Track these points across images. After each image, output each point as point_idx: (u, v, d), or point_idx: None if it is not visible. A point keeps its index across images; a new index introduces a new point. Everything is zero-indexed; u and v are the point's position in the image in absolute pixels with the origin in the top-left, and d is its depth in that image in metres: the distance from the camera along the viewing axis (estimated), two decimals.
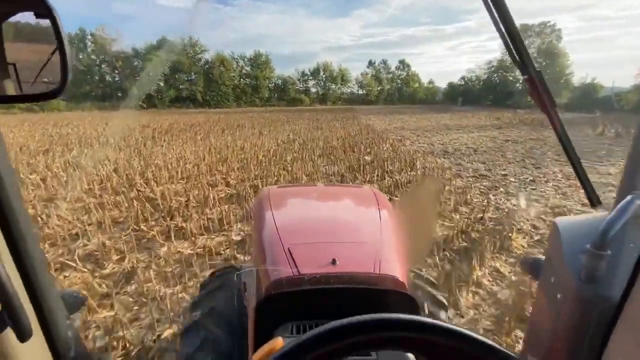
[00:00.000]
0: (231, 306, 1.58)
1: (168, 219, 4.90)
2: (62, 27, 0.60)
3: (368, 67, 60.53)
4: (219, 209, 5.29)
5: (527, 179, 7.57)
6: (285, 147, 11.21)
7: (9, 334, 0.51)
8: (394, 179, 7.13)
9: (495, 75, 52.76)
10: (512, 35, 0.65)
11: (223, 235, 4.45)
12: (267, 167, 8.15)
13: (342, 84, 56.87)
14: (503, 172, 8.15)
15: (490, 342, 0.47)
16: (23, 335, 0.51)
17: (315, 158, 9.49)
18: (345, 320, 0.48)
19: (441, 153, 10.74)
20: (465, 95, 53.38)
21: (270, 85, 51.94)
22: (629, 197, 0.63)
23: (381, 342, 0.49)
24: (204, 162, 8.52)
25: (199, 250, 3.99)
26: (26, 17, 0.63)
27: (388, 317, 0.48)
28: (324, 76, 55.59)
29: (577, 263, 0.67)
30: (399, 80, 60.75)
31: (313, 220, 1.68)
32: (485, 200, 5.84)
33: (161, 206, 5.35)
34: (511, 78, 50.98)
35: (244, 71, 50.56)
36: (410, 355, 0.92)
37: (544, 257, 0.89)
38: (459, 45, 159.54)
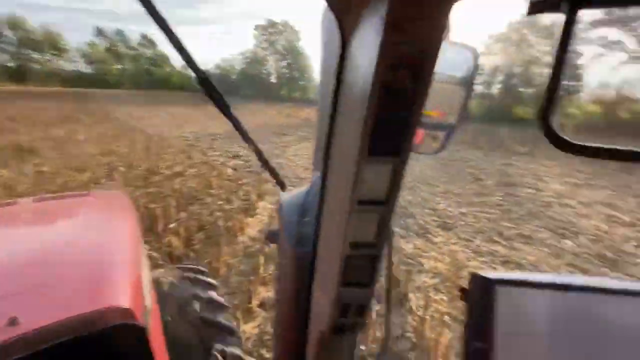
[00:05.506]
0: None
1: None
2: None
3: (97, 37, 43.76)
4: None
5: None
6: None
7: None
8: None
9: (251, 67, 51.94)
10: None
11: None
12: None
13: (55, 54, 37.85)
14: None
15: None
16: None
17: None
18: None
19: None
20: (223, 85, 49.13)
21: None
22: (315, 174, 0.76)
23: None
24: None
25: None
26: None
27: None
28: (15, 37, 34.71)
29: (293, 230, 0.78)
30: (145, 60, 48.00)
31: None
32: None
33: None
34: (265, 72, 52.03)
35: None
36: None
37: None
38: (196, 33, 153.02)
